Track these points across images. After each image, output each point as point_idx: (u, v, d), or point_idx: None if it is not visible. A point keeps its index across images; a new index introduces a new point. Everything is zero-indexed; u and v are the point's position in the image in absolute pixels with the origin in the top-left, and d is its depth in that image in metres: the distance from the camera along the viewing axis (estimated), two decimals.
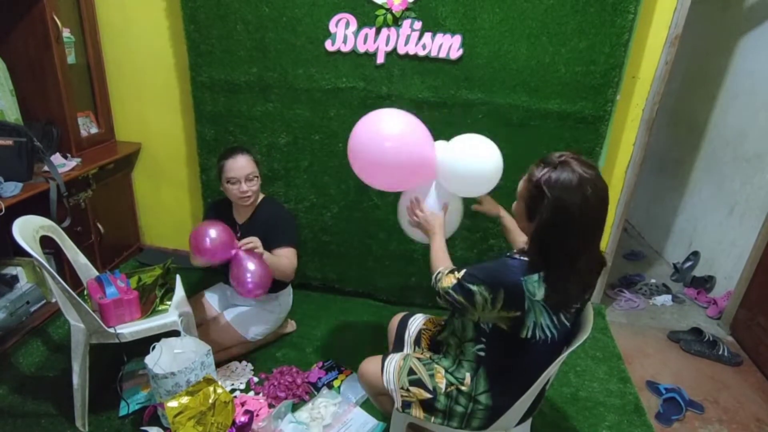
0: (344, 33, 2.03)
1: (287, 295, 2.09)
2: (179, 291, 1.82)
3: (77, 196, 2.27)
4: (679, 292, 2.87)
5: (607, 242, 2.50)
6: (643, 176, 2.73)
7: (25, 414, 1.72)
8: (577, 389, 2.01)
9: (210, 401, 1.51)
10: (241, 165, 1.80)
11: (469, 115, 2.09)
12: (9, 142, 1.91)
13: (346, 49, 2.05)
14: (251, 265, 1.67)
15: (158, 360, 1.59)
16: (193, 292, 2.13)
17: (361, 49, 2.04)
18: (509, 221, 1.60)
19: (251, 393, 1.86)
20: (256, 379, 1.93)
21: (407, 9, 1.96)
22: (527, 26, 1.93)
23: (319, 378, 1.93)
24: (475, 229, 2.25)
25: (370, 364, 1.51)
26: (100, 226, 2.46)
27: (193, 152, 2.51)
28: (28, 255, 1.38)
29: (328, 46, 2.06)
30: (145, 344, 1.62)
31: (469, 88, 2.05)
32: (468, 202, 1.67)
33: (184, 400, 1.47)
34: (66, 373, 1.80)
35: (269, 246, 1.87)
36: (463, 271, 1.25)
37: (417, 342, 1.60)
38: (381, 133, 1.52)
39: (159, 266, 1.90)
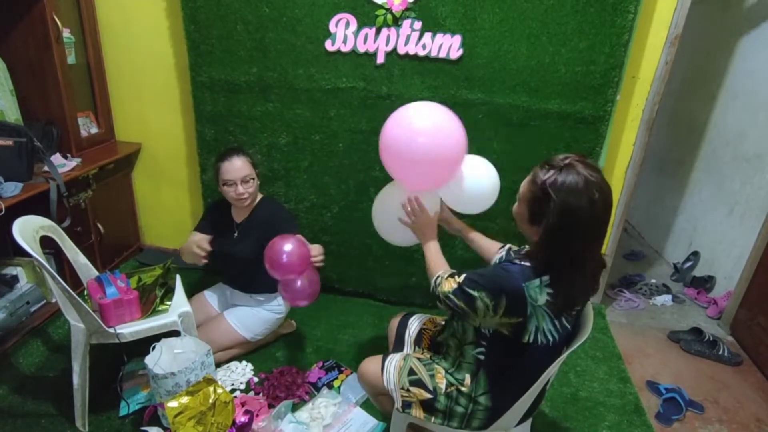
0: (344, 33, 2.03)
1: None
2: (179, 291, 1.82)
3: (77, 196, 2.27)
4: (679, 292, 2.87)
5: (607, 242, 2.50)
6: (643, 176, 2.73)
7: (25, 414, 1.72)
8: (577, 389, 2.01)
9: (210, 401, 1.51)
10: (237, 167, 1.80)
11: (469, 115, 2.09)
12: (9, 142, 1.91)
13: (346, 49, 2.05)
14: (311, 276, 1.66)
15: (158, 360, 1.59)
16: (193, 292, 2.13)
17: (361, 49, 2.04)
18: (475, 235, 1.59)
19: (251, 393, 1.86)
20: (256, 379, 1.93)
21: (407, 9, 1.96)
22: (527, 26, 1.93)
23: (319, 378, 1.93)
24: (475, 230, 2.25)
25: (370, 364, 1.52)
26: (100, 226, 2.46)
27: (193, 152, 2.51)
28: (28, 255, 1.38)
29: (328, 46, 2.06)
30: (145, 344, 1.62)
31: (469, 88, 2.05)
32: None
33: (184, 400, 1.47)
34: (66, 373, 1.80)
35: None
36: (463, 276, 1.24)
37: (417, 342, 1.60)
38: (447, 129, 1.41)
39: (159, 266, 1.90)
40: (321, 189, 2.34)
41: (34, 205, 1.89)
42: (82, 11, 2.29)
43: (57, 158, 2.18)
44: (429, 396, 1.34)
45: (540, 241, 1.13)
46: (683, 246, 3.16)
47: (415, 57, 2.03)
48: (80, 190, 2.29)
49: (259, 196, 1.96)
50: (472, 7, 1.93)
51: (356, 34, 2.03)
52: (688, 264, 3.01)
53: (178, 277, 1.87)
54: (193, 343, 1.69)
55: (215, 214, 2.01)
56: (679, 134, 3.35)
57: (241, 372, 1.96)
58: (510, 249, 1.53)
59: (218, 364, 1.95)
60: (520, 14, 1.92)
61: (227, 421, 1.56)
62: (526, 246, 1.36)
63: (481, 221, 2.26)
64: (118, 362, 1.82)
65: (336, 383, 1.91)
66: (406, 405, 1.37)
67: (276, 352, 2.11)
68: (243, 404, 1.74)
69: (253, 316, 1.99)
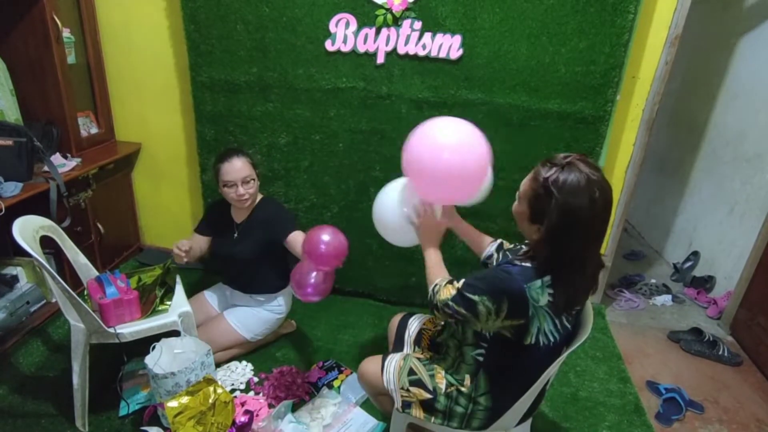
0: (344, 33, 2.03)
1: (287, 295, 2.09)
2: (179, 291, 1.82)
3: (77, 196, 2.27)
4: (679, 292, 2.87)
5: (607, 242, 2.50)
6: (643, 176, 2.73)
7: (25, 414, 1.72)
8: (577, 389, 2.01)
9: (210, 401, 1.51)
10: (237, 168, 1.79)
11: (469, 115, 2.07)
12: (9, 142, 1.91)
13: (346, 49, 2.05)
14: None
15: (158, 360, 1.59)
16: (193, 292, 2.13)
17: (361, 49, 2.04)
18: (466, 227, 1.57)
19: (251, 393, 1.86)
20: (256, 379, 1.93)
21: (407, 9, 1.96)
22: (527, 26, 1.93)
23: (319, 378, 1.93)
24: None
25: (370, 364, 1.52)
26: (100, 226, 2.46)
27: (193, 152, 2.51)
28: (28, 255, 1.38)
29: (328, 46, 2.06)
30: (145, 344, 1.62)
31: (469, 88, 2.05)
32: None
33: (184, 400, 1.47)
34: (66, 373, 1.80)
35: (275, 240, 1.85)
36: (462, 281, 1.22)
37: (417, 342, 1.60)
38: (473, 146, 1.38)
39: (159, 266, 1.90)
40: (321, 189, 2.34)
41: (34, 205, 1.89)
42: (82, 11, 2.29)
43: (57, 158, 2.18)
44: (429, 396, 1.34)
45: (541, 239, 1.12)
46: (683, 246, 3.16)
47: (415, 57, 2.03)
48: (80, 190, 2.29)
49: (259, 197, 1.96)
50: (472, 7, 1.93)
51: (356, 34, 2.03)
52: (688, 264, 3.01)
53: (178, 277, 1.88)
54: (193, 343, 1.69)
55: (215, 214, 2.01)
56: (679, 134, 3.35)
57: (241, 372, 1.96)
58: (502, 243, 1.53)
59: (218, 364, 1.95)
60: (520, 14, 1.92)
61: (227, 421, 1.56)
62: (522, 246, 1.36)
63: (481, 221, 2.26)
64: (118, 362, 1.82)
65: (336, 383, 1.91)
66: (406, 405, 1.36)
67: (276, 352, 2.11)
68: (243, 404, 1.75)
69: (253, 316, 1.99)
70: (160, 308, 1.71)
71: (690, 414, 1.95)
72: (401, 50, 2.02)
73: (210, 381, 1.56)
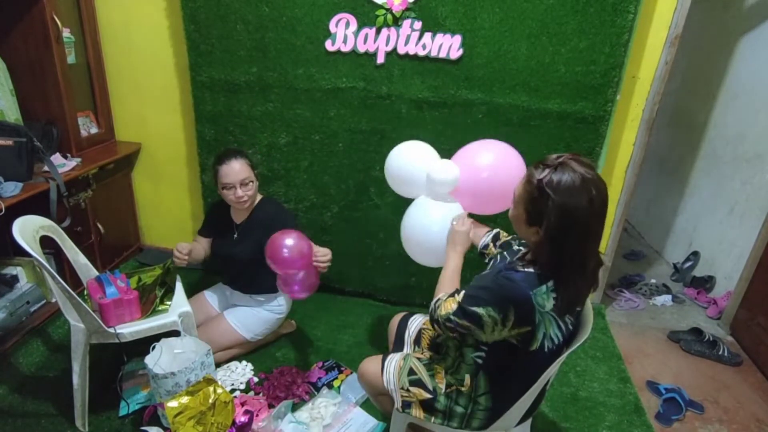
0: (344, 33, 2.03)
1: (287, 296, 2.09)
2: (179, 291, 1.82)
3: (77, 196, 2.27)
4: (679, 292, 2.87)
5: (607, 242, 2.49)
6: (643, 176, 2.73)
7: (25, 414, 1.72)
8: (577, 389, 2.01)
9: (210, 401, 1.51)
10: (235, 170, 1.79)
11: (469, 115, 2.09)
12: (9, 142, 1.91)
13: (346, 49, 2.05)
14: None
15: (158, 360, 1.59)
16: (193, 292, 2.13)
17: (361, 49, 2.04)
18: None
19: (251, 393, 1.86)
20: (256, 379, 1.93)
21: (407, 9, 1.96)
22: (527, 26, 1.93)
23: (319, 378, 1.93)
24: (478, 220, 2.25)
25: (370, 364, 1.51)
26: (100, 226, 2.46)
27: (193, 152, 2.51)
28: (28, 255, 1.38)
29: (328, 46, 2.06)
30: (145, 344, 1.62)
31: (469, 88, 2.05)
32: None
33: (184, 400, 1.47)
34: (66, 373, 1.80)
35: None
36: (462, 294, 1.20)
37: (417, 342, 1.60)
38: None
39: (159, 266, 1.90)
40: (321, 189, 2.34)
41: (34, 205, 1.89)
42: (82, 11, 2.29)
43: (57, 158, 2.18)
44: (429, 396, 1.33)
45: (540, 241, 1.11)
46: (683, 246, 3.16)
47: (415, 57, 2.03)
48: (80, 190, 2.29)
49: (259, 197, 1.96)
50: (472, 7, 1.93)
51: (356, 34, 2.03)
52: (688, 264, 3.01)
53: (178, 277, 1.87)
54: (193, 343, 1.69)
55: (215, 215, 2.01)
56: (679, 134, 3.35)
57: (241, 372, 1.96)
58: (498, 233, 1.54)
59: (218, 364, 1.95)
60: (520, 14, 1.92)
61: (227, 421, 1.56)
62: (520, 247, 1.36)
63: (481, 221, 2.26)
64: (118, 362, 1.82)
65: (336, 383, 1.91)
66: (406, 405, 1.36)
67: (276, 352, 2.11)
68: (243, 404, 1.74)
69: (253, 316, 1.99)
70: (160, 308, 1.71)
71: (690, 414, 1.95)
72: (401, 50, 2.02)
73: (210, 381, 1.56)
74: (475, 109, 2.08)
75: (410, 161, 1.70)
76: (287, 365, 2.00)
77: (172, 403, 1.45)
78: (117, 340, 1.57)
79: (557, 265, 1.10)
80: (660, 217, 3.47)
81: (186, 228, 2.78)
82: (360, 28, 2.02)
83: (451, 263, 1.44)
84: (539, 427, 1.78)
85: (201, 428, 1.48)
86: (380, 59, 2.05)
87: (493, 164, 1.54)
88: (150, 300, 1.72)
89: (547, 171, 1.07)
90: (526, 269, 1.14)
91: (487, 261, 1.50)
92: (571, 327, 1.19)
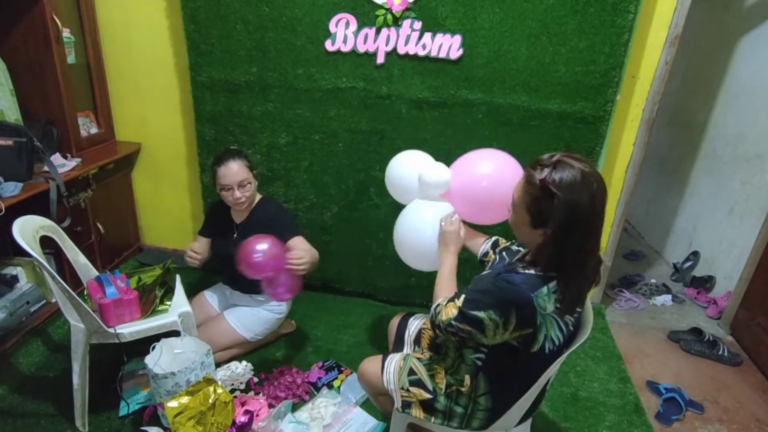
0: (344, 33, 2.03)
1: None
2: (179, 291, 1.82)
3: (77, 196, 2.27)
4: (679, 292, 2.87)
5: (607, 242, 2.49)
6: (643, 176, 2.73)
7: (25, 414, 1.72)
8: (577, 389, 2.01)
9: (210, 401, 1.51)
10: (233, 172, 1.78)
11: (469, 115, 2.09)
12: (9, 142, 1.91)
13: (346, 49, 2.05)
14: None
15: (158, 360, 1.59)
16: (193, 292, 2.13)
17: (361, 49, 2.04)
18: (471, 234, 1.62)
19: (251, 393, 1.86)
20: (256, 379, 1.93)
21: (407, 9, 1.96)
22: (527, 26, 1.93)
23: (319, 378, 1.93)
24: (476, 229, 2.25)
25: (370, 364, 1.51)
26: (100, 226, 2.46)
27: (193, 152, 2.51)
28: (28, 255, 1.38)
29: (328, 46, 2.06)
30: (145, 344, 1.62)
31: (469, 88, 2.05)
32: None
33: (184, 400, 1.47)
34: (66, 373, 1.80)
35: None
36: (462, 298, 1.19)
37: (417, 342, 1.60)
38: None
39: (159, 266, 1.90)
40: (321, 189, 2.34)
41: (34, 205, 1.89)
42: (82, 11, 2.29)
43: (57, 158, 2.18)
44: (429, 396, 1.33)
45: (546, 242, 1.09)
46: (683, 246, 3.16)
47: (415, 57, 2.03)
48: (80, 190, 2.29)
49: (259, 197, 1.96)
50: (472, 7, 1.93)
51: (356, 34, 2.03)
52: (688, 264, 3.01)
53: (178, 277, 1.87)
54: (193, 343, 1.69)
55: (215, 215, 2.01)
56: (679, 134, 3.35)
57: (241, 372, 1.96)
58: (497, 240, 1.53)
59: (218, 364, 1.94)
60: (520, 14, 1.92)
61: (227, 421, 1.56)
62: (519, 249, 1.36)
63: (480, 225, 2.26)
64: (118, 362, 1.82)
65: (336, 383, 1.91)
66: (406, 405, 1.36)
67: (276, 352, 2.11)
68: (243, 404, 1.74)
69: (253, 316, 1.99)
70: (160, 308, 1.71)
71: (690, 414, 1.95)
72: (401, 50, 2.02)
73: (210, 381, 1.56)
74: (475, 109, 2.08)
75: (408, 170, 1.69)
76: (287, 365, 2.00)
77: (172, 403, 1.45)
78: (117, 340, 1.57)
79: (561, 263, 1.09)
80: (660, 217, 3.47)
81: (186, 228, 2.78)
82: (360, 28, 2.02)
83: (445, 265, 1.43)
84: (539, 427, 1.78)
85: (201, 428, 1.48)
86: (380, 59, 2.05)
87: (494, 173, 1.52)
88: (150, 300, 1.72)
89: (546, 170, 1.07)
90: (526, 271, 1.13)
91: (488, 269, 1.47)
92: (571, 327, 1.19)
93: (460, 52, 1.99)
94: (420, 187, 1.63)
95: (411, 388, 1.36)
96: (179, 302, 1.76)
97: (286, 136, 2.26)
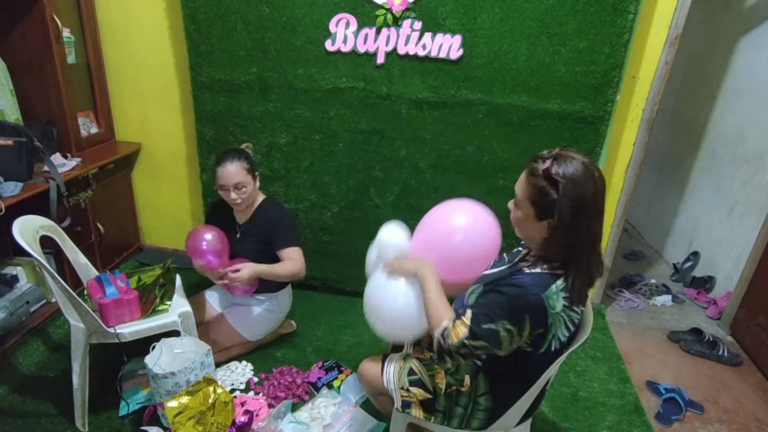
0: (344, 33, 2.03)
1: (287, 295, 2.09)
2: (179, 291, 1.82)
3: (77, 196, 2.27)
4: (679, 292, 2.87)
5: (607, 242, 2.50)
6: (643, 176, 2.73)
7: (25, 414, 1.72)
8: (577, 389, 2.01)
9: (210, 401, 1.51)
10: (230, 173, 1.78)
11: (469, 115, 2.09)
12: (9, 142, 1.91)
13: (346, 49, 2.05)
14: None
15: (158, 360, 1.59)
16: (193, 292, 2.13)
17: (361, 49, 2.04)
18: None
19: (251, 393, 1.86)
20: (256, 379, 1.93)
21: (407, 9, 1.96)
22: (527, 26, 1.93)
23: (319, 378, 1.92)
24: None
25: (370, 364, 1.51)
26: (100, 226, 2.46)
27: (193, 152, 2.51)
28: (28, 255, 1.38)
29: (328, 46, 2.06)
30: (145, 344, 1.62)
31: (469, 88, 2.05)
32: None
33: (184, 400, 1.47)
34: (66, 373, 1.80)
35: (273, 248, 1.88)
36: (469, 313, 1.14)
37: (417, 342, 1.60)
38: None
39: (159, 266, 1.90)
40: (321, 189, 2.34)
41: (34, 204, 1.89)
42: (82, 11, 2.29)
43: (57, 158, 2.18)
44: (429, 396, 1.33)
45: (551, 234, 1.10)
46: (683, 246, 3.16)
47: (415, 57, 2.03)
48: (80, 190, 2.29)
49: (262, 197, 1.96)
50: (472, 7, 1.93)
51: (356, 34, 2.03)
52: (688, 264, 3.01)
53: (178, 277, 1.87)
54: (193, 343, 1.69)
55: (217, 215, 2.01)
56: (679, 134, 3.35)
57: (241, 372, 1.96)
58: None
59: (218, 364, 1.95)
60: (520, 14, 1.92)
61: (227, 421, 1.56)
62: (519, 248, 1.35)
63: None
64: (118, 362, 1.82)
65: (336, 383, 1.91)
66: (406, 405, 1.36)
67: (276, 352, 2.11)
68: (243, 404, 1.74)
69: (253, 316, 1.99)
70: (160, 308, 1.71)
71: (690, 414, 1.95)
72: (401, 50, 2.02)
73: (210, 381, 1.56)
74: (475, 109, 2.08)
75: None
76: (287, 365, 1.99)
77: (172, 403, 1.45)
78: (117, 340, 1.57)
79: (567, 253, 1.10)
80: (660, 217, 3.47)
81: (186, 228, 2.76)
82: (360, 28, 2.02)
83: (428, 282, 1.26)
84: (539, 427, 1.78)
85: (201, 428, 1.48)
86: (380, 59, 2.05)
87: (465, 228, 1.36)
88: (150, 300, 1.72)
89: (548, 162, 1.08)
90: (532, 270, 1.13)
91: (489, 269, 1.41)
92: (576, 324, 1.19)
93: (460, 52, 1.99)
94: (380, 253, 1.45)
95: (411, 388, 1.36)
96: (179, 302, 1.76)
97: (286, 136, 2.26)
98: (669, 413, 1.92)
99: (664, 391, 2.01)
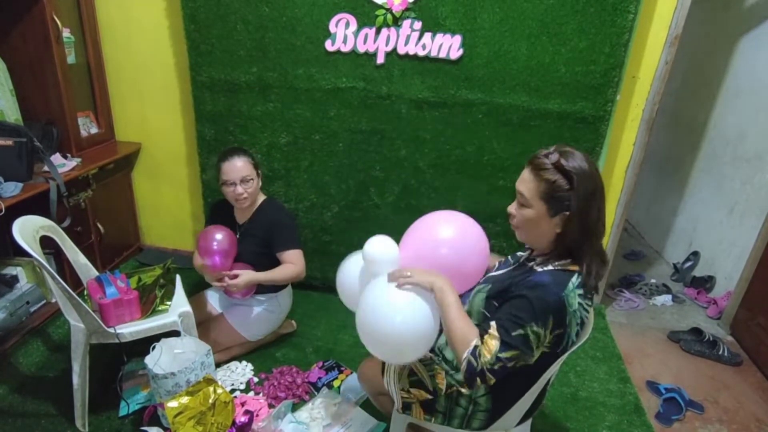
0: (344, 33, 2.03)
1: (287, 296, 2.09)
2: (179, 291, 1.82)
3: (77, 196, 2.27)
4: (679, 292, 2.87)
5: (607, 242, 2.50)
6: (643, 176, 2.73)
7: (25, 414, 1.72)
8: (577, 389, 2.01)
9: (210, 401, 1.51)
10: (237, 167, 1.80)
11: (469, 115, 2.09)
12: (9, 142, 1.91)
13: (346, 49, 2.05)
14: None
15: (158, 360, 1.59)
16: (193, 292, 2.13)
17: (361, 49, 2.04)
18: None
19: (251, 393, 1.86)
20: (256, 379, 1.93)
21: (407, 9, 1.96)
22: (527, 26, 1.93)
23: (319, 378, 1.92)
24: None
25: (371, 364, 1.51)
26: (100, 226, 2.46)
27: (193, 152, 2.51)
28: (28, 255, 1.38)
29: (328, 46, 2.06)
30: (145, 344, 1.62)
31: (469, 88, 2.05)
32: None
33: (184, 400, 1.47)
34: (66, 373, 1.80)
35: (272, 249, 1.88)
36: (493, 325, 1.09)
37: None
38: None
39: (159, 266, 1.90)
40: (321, 188, 2.34)
41: (34, 205, 1.89)
42: (82, 11, 2.29)
43: (57, 158, 2.18)
44: (429, 397, 1.33)
45: (565, 229, 1.11)
46: (683, 246, 3.16)
47: (415, 57, 2.03)
48: (80, 190, 2.29)
49: (262, 197, 1.96)
50: (472, 7, 1.93)
51: (356, 34, 2.03)
52: (688, 264, 3.01)
53: (178, 277, 1.87)
54: (193, 343, 1.69)
55: (217, 215, 2.01)
56: (679, 134, 3.35)
57: (241, 372, 1.96)
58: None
59: (218, 364, 1.95)
60: (520, 14, 1.92)
61: (227, 421, 1.56)
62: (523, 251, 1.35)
63: (481, 222, 2.25)
64: (118, 362, 1.82)
65: (336, 383, 1.91)
66: (406, 406, 1.36)
67: (276, 352, 2.11)
68: (243, 404, 1.74)
69: (253, 316, 1.99)
70: (160, 308, 1.71)
71: (690, 414, 1.95)
72: (401, 50, 2.02)
73: (210, 381, 1.56)
74: (475, 109, 2.08)
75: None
76: (287, 365, 1.99)
77: (172, 403, 1.45)
78: (117, 340, 1.57)
79: (585, 239, 1.11)
80: (660, 217, 3.47)
81: (186, 228, 2.78)
82: (360, 28, 2.02)
83: (449, 299, 1.15)
84: (539, 427, 1.78)
85: (201, 428, 1.48)
86: (380, 59, 2.05)
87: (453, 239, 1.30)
88: (150, 300, 1.72)
89: (553, 156, 1.11)
90: (545, 268, 1.14)
91: (495, 271, 1.39)
92: (583, 323, 1.18)
93: (460, 52, 1.99)
94: (366, 267, 1.35)
95: (411, 389, 1.36)
96: (179, 302, 1.75)
97: (286, 136, 2.26)
98: (669, 413, 1.92)
99: (664, 391, 2.01)
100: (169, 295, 1.77)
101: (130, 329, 1.60)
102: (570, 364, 2.14)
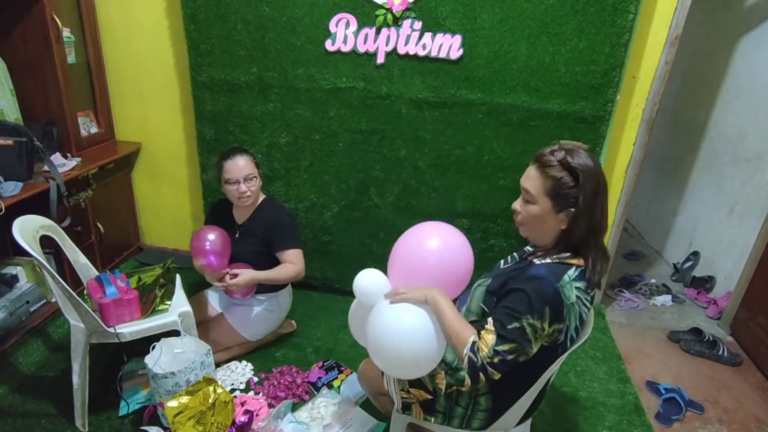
0: (344, 33, 2.03)
1: (287, 295, 2.09)
2: (179, 291, 1.82)
3: (77, 196, 2.27)
4: (679, 292, 2.87)
5: (607, 242, 2.50)
6: (643, 176, 2.73)
7: (25, 414, 1.72)
8: (577, 389, 2.01)
9: (210, 401, 1.51)
10: (239, 166, 1.81)
11: (469, 115, 2.09)
12: (9, 142, 1.91)
13: (346, 49, 2.05)
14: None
15: (158, 360, 1.59)
16: (194, 292, 2.13)
17: (361, 49, 2.04)
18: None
19: (251, 393, 1.86)
20: (256, 379, 1.93)
21: (407, 9, 1.96)
22: (527, 26, 1.93)
23: (319, 378, 1.92)
24: (474, 230, 2.25)
25: (371, 364, 1.51)
26: (100, 226, 2.46)
27: (193, 152, 2.51)
28: (28, 255, 1.38)
29: (328, 46, 2.06)
30: (145, 344, 1.62)
31: (469, 88, 2.05)
32: None
33: (184, 399, 1.47)
34: (66, 373, 1.80)
35: (272, 249, 1.88)
36: (490, 321, 1.12)
37: None
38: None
39: (159, 266, 1.90)
40: (321, 188, 2.34)
41: (34, 204, 1.89)
42: (82, 11, 2.29)
43: (57, 158, 2.18)
44: (429, 397, 1.33)
45: (571, 224, 1.11)
46: (683, 246, 3.16)
47: (415, 57, 2.03)
48: (80, 190, 2.29)
49: (262, 197, 1.96)
50: (472, 7, 1.93)
51: (356, 34, 2.03)
52: (688, 264, 3.01)
53: (178, 277, 1.87)
54: (193, 342, 1.69)
55: (216, 215, 2.01)
56: (679, 134, 3.35)
57: (241, 372, 1.96)
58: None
59: (218, 364, 1.95)
60: (520, 14, 1.92)
61: (227, 421, 1.56)
62: (525, 249, 1.35)
63: (481, 222, 2.26)
64: (118, 362, 1.82)
65: (336, 383, 1.91)
66: (406, 406, 1.36)
67: (276, 352, 2.11)
68: (243, 404, 1.74)
69: (253, 316, 1.99)
70: (160, 308, 1.71)
71: (690, 414, 1.95)
72: (401, 50, 2.02)
73: (210, 381, 1.56)
74: (475, 109, 2.08)
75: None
76: (287, 365, 1.99)
77: (172, 403, 1.45)
78: (117, 340, 1.57)
79: (590, 235, 1.12)
80: (660, 217, 3.47)
81: (186, 228, 2.78)
82: (360, 28, 2.02)
83: (443, 305, 1.18)
84: (539, 427, 1.78)
85: (201, 428, 1.48)
86: (380, 59, 2.05)
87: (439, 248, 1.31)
88: (150, 300, 1.72)
89: (557, 153, 1.11)
90: (543, 261, 1.15)
91: (496, 270, 1.40)
92: (584, 319, 1.19)
93: (460, 52, 1.99)
94: (362, 302, 1.41)
95: (411, 389, 1.36)
96: (179, 302, 1.75)
97: (286, 135, 2.26)
98: (669, 413, 1.92)
99: (664, 391, 2.01)
100: (169, 294, 1.78)
101: (130, 329, 1.60)
102: (570, 364, 2.14)
